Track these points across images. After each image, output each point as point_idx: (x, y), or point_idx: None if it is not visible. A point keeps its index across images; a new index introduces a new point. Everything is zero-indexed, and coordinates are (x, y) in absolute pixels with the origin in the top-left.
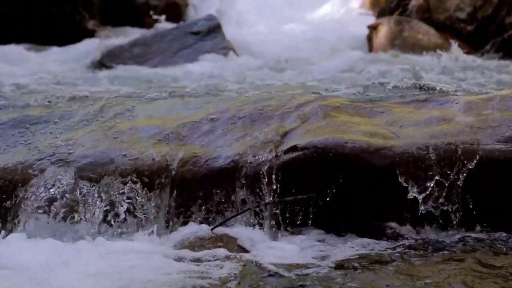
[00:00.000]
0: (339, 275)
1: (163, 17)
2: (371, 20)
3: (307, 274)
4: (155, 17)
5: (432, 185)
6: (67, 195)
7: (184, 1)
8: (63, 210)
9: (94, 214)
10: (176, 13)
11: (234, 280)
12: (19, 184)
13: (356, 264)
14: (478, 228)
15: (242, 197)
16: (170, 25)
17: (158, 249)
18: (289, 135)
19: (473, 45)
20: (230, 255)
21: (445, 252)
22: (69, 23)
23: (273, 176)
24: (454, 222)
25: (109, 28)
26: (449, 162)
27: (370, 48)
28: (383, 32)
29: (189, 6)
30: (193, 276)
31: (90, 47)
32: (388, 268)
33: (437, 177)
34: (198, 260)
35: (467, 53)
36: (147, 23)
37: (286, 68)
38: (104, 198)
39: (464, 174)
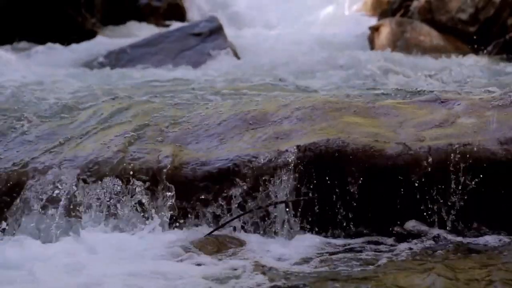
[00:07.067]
0: (338, 274)
1: (165, 18)
2: (373, 21)
3: (304, 273)
4: (157, 18)
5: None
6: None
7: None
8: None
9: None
10: (178, 14)
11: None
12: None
13: (356, 264)
14: (480, 228)
15: (243, 198)
16: (172, 26)
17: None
18: (291, 136)
19: (475, 46)
20: (230, 251)
21: (449, 251)
22: (71, 24)
23: (275, 177)
24: (456, 223)
25: (111, 29)
26: (450, 163)
27: (372, 49)
28: (385, 33)
29: (191, 7)
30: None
31: (92, 48)
32: (389, 268)
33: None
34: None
35: (469, 54)
36: (149, 24)
37: (287, 69)
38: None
39: (465, 175)
